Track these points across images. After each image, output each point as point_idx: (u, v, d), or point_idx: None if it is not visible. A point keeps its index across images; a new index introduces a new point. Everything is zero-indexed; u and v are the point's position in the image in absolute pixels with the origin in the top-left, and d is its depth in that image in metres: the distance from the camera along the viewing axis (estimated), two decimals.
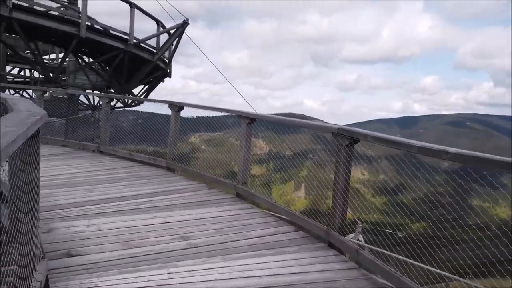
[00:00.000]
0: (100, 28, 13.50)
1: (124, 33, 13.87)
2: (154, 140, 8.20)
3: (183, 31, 15.83)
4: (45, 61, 18.55)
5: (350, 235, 3.95)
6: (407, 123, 78.90)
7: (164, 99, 7.68)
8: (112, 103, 20.11)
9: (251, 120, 5.91)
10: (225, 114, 6.78)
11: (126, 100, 18.12)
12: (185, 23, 15.50)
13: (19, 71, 18.39)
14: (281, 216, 4.83)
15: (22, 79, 18.15)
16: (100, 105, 10.57)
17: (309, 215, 4.63)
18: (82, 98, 19.65)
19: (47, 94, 12.73)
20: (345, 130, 4.10)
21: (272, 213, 4.98)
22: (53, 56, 19.37)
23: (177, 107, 7.29)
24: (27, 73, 18.47)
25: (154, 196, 5.53)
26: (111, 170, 6.96)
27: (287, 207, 4.93)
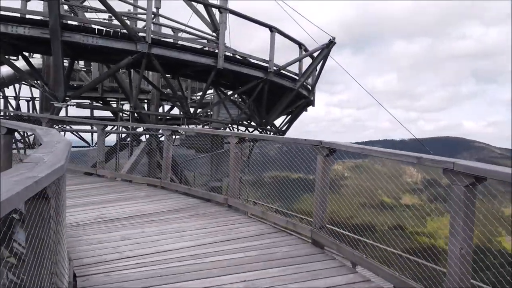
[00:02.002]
0: (239, 57, 12.21)
1: (264, 60, 12.28)
2: (301, 167, 5.97)
3: (328, 52, 13.50)
4: (193, 98, 18.62)
5: None
6: None
7: (305, 137, 5.23)
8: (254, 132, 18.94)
9: (476, 181, 2.93)
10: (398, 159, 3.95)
11: (266, 132, 16.57)
12: (331, 43, 13.15)
13: (170, 109, 18.81)
14: None
15: (172, 117, 18.38)
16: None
17: None
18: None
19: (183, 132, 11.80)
20: None
21: None
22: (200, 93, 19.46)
23: (327, 149, 4.75)
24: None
25: None
26: (235, 243, 4.76)
27: None
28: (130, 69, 11.97)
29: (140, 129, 16.17)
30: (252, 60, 12.16)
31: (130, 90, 11.96)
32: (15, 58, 11.76)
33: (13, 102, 20.30)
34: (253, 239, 4.93)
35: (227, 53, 11.41)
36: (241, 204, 6.19)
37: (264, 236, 5.02)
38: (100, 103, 18.95)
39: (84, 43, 9.34)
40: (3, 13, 8.94)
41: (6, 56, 10.31)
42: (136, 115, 14.86)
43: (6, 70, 15.51)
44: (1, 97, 19.56)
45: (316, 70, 14.81)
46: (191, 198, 7.03)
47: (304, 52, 13.95)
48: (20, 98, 20.35)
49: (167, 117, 17.91)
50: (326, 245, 4.70)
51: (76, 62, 19.16)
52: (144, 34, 9.87)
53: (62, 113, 21.20)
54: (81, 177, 8.69)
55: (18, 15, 9.81)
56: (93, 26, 9.59)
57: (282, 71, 12.80)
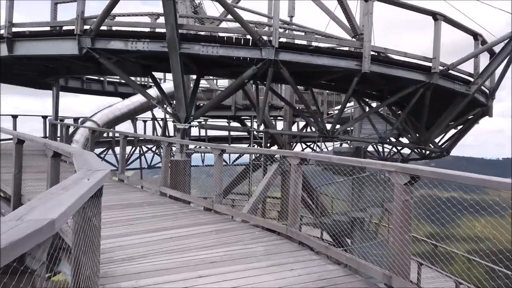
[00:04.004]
0: (390, 56, 9.26)
1: (425, 58, 9.04)
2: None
3: None
4: (329, 113, 16.13)
5: None
6: None
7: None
8: (403, 150, 15.23)
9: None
10: None
11: (423, 151, 12.87)
12: None
13: (305, 126, 16.69)
14: None
15: (306, 135, 16.15)
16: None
17: None
18: (370, 148, 16.03)
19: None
20: None
21: None
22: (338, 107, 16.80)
23: None
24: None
25: None
26: None
27: None
28: (257, 82, 10.27)
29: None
30: (409, 59, 9.05)
31: (258, 106, 10.20)
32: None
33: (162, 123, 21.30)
34: None
35: (373, 52, 8.64)
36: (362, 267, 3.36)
37: None
38: (236, 122, 18.21)
39: (203, 54, 7.91)
40: (125, 29, 8.19)
41: (132, 78, 9.72)
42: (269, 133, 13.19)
43: (153, 92, 15.71)
44: (150, 119, 20.67)
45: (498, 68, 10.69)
46: (329, 263, 4.50)
47: (481, 46, 10.10)
48: (167, 120, 21.17)
49: (303, 136, 15.83)
50: None
51: (214, 81, 18.85)
52: (271, 38, 7.95)
53: (202, 133, 21.44)
54: (197, 214, 7.06)
55: (148, 29, 9.08)
56: (214, 33, 8.12)
57: (450, 71, 9.30)
